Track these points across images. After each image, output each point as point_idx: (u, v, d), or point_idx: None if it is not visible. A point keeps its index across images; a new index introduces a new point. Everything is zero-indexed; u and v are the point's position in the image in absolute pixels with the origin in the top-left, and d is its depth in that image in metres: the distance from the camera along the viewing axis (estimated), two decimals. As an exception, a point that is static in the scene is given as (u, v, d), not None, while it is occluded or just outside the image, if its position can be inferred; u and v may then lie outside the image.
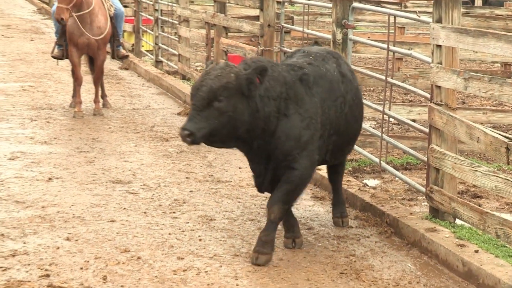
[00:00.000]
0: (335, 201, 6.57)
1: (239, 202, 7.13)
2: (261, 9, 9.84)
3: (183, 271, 5.49)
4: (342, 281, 5.45)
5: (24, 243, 5.88)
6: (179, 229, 6.34)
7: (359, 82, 8.74)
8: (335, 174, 6.57)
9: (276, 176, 5.71)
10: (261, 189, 5.90)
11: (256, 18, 10.79)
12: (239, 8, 13.97)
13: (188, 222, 6.51)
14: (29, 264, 5.47)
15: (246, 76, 5.40)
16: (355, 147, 7.95)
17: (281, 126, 5.57)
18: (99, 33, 10.53)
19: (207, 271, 5.50)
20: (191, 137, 5.28)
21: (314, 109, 5.71)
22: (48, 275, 5.28)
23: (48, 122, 10.11)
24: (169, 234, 6.22)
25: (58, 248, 5.80)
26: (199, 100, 5.33)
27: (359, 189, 7.26)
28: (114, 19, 10.88)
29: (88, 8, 10.39)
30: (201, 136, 5.30)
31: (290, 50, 10.29)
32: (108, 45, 11.01)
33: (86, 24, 10.42)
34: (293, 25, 10.86)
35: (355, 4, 8.21)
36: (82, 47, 10.48)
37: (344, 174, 7.68)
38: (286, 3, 9.98)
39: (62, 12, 10.07)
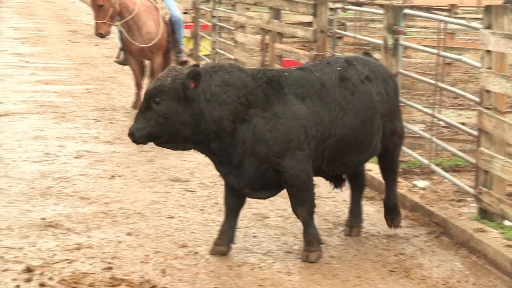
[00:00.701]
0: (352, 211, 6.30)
1: (292, 201, 7.10)
2: (314, 16, 9.80)
3: (238, 266, 5.50)
4: (392, 278, 5.40)
5: (88, 237, 5.96)
6: (235, 226, 6.34)
7: (409, 86, 8.67)
8: (354, 190, 6.27)
9: (267, 177, 5.57)
10: (240, 186, 5.66)
11: (309, 24, 10.74)
12: (293, 14, 13.97)
13: (242, 220, 6.51)
14: (93, 257, 5.54)
15: (180, 80, 5.39)
16: (405, 148, 7.87)
17: (241, 130, 5.45)
18: (149, 38, 10.41)
19: (260, 267, 5.50)
20: (131, 137, 5.44)
21: (289, 111, 5.51)
22: (110, 268, 5.34)
23: (111, 122, 10.23)
24: (225, 230, 6.22)
25: (120, 242, 5.87)
26: (141, 102, 5.49)
27: (408, 189, 7.19)
28: (173, 26, 10.77)
29: (130, 14, 10.33)
30: (140, 136, 5.41)
31: (341, 55, 10.25)
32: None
33: (134, 31, 10.35)
34: (345, 31, 10.82)
35: (406, 11, 8.13)
36: (136, 54, 10.51)
37: (394, 175, 7.62)
38: (338, 10, 9.93)
39: (100, 27, 10.11)
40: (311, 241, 5.66)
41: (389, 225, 6.32)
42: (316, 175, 5.82)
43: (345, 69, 5.84)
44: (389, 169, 6.26)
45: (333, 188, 6.26)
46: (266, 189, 5.69)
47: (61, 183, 7.37)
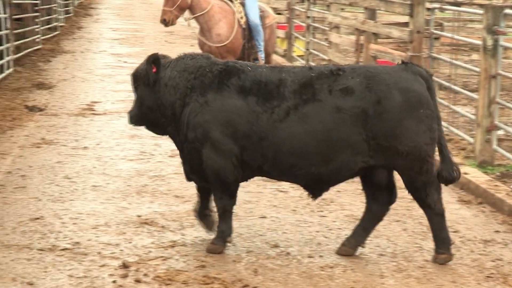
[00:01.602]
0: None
1: (385, 203, 7.02)
2: (411, 16, 9.67)
3: (330, 267, 5.48)
4: (489, 285, 5.26)
5: (183, 235, 6.06)
6: (326, 227, 6.33)
7: (509, 88, 8.43)
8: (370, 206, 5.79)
9: (200, 164, 5.60)
10: (186, 173, 5.81)
11: (406, 24, 10.62)
12: (389, 14, 13.81)
13: (335, 221, 6.49)
14: (186, 255, 5.63)
15: (145, 66, 5.68)
16: (503, 151, 7.67)
17: (183, 114, 5.58)
18: (218, 40, 10.38)
19: (353, 269, 5.46)
20: (128, 119, 5.90)
21: (219, 102, 5.46)
22: (204, 266, 5.41)
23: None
24: (317, 231, 6.22)
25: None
26: None
27: (507, 194, 6.99)
28: (250, 31, 10.51)
29: (201, 11, 10.36)
30: (131, 117, 5.86)
31: (439, 56, 10.07)
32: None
33: (205, 31, 10.40)
34: (442, 31, 10.61)
35: (507, 11, 7.92)
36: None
37: (491, 179, 7.44)
38: (436, 10, 9.76)
39: (165, 14, 10.20)
40: (218, 236, 5.70)
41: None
42: (263, 175, 5.73)
43: (318, 76, 5.49)
44: (410, 193, 5.65)
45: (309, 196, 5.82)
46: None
47: (156, 181, 7.52)
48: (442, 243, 5.58)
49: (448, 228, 5.63)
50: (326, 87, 5.46)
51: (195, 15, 10.38)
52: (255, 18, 10.59)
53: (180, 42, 19.51)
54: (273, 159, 5.49)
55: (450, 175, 5.53)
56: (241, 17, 10.52)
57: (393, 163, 5.49)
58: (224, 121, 5.45)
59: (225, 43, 10.36)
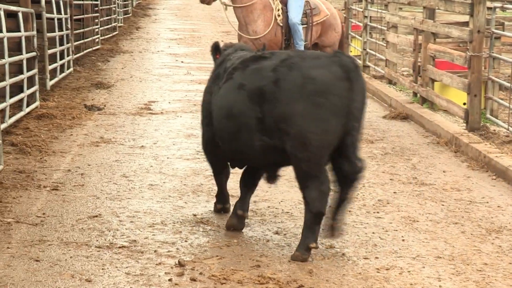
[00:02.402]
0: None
1: (442, 205, 6.96)
2: (471, 15, 9.52)
3: (386, 269, 5.44)
4: (549, 290, 5.16)
5: (238, 234, 6.08)
6: (383, 228, 6.29)
7: None
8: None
9: None
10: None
11: (465, 24, 10.47)
12: (448, 14, 13.64)
13: (391, 222, 6.44)
14: (242, 255, 5.65)
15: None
16: None
17: None
18: (254, 35, 10.42)
19: (409, 271, 5.41)
20: None
21: (206, 86, 6.20)
22: (259, 266, 5.42)
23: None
24: (373, 233, 6.18)
25: (267, 241, 5.95)
26: None
27: None
28: (290, 30, 10.37)
29: (241, 3, 10.32)
30: None
31: (499, 56, 9.90)
32: None
33: (242, 26, 10.42)
34: (503, 30, 10.44)
35: None
36: None
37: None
38: (497, 9, 9.60)
39: None
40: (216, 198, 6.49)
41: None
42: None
43: (250, 59, 5.71)
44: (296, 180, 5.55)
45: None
46: None
47: (212, 181, 7.54)
48: (303, 242, 5.52)
49: (316, 231, 5.49)
50: (245, 67, 5.66)
51: (234, 5, 10.41)
52: (294, 17, 10.41)
53: (236, 41, 19.58)
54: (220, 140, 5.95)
55: (351, 168, 5.45)
56: (278, 15, 10.41)
57: (284, 144, 5.43)
58: (203, 103, 6.22)
59: (258, 36, 10.32)
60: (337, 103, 5.28)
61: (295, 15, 10.43)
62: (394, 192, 7.33)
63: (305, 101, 5.29)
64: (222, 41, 20.65)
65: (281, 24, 10.42)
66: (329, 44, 10.72)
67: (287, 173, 7.87)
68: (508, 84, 9.52)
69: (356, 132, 5.43)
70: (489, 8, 9.72)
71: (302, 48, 10.49)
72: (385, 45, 13.61)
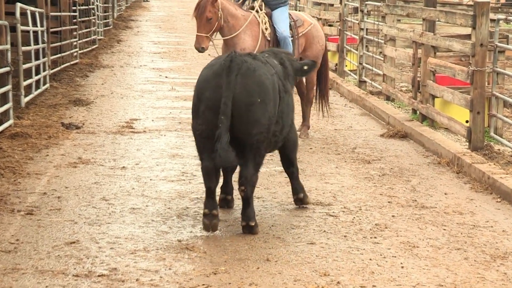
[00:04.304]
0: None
1: (444, 229, 6.98)
2: (473, 28, 9.60)
3: (384, 299, 5.44)
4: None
5: (225, 261, 6.08)
6: (380, 255, 6.30)
7: None
8: None
9: None
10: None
11: (468, 36, 10.56)
12: (449, 26, 13.75)
13: (389, 248, 6.45)
14: (230, 283, 5.64)
15: None
16: None
17: None
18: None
19: (409, 301, 5.42)
20: None
21: None
22: (247, 295, 5.42)
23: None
24: (370, 259, 6.20)
25: (258, 268, 5.95)
26: None
27: None
28: (279, 44, 10.35)
29: (231, 34, 10.26)
30: None
31: (504, 71, 9.98)
32: None
33: (230, 47, 10.29)
34: (507, 44, 10.52)
35: None
36: None
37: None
38: (501, 21, 9.68)
39: (203, 41, 10.18)
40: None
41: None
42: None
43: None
44: None
45: None
46: None
47: (198, 204, 7.57)
48: (244, 215, 6.75)
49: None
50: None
51: (225, 37, 10.36)
52: (284, 30, 10.41)
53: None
54: None
55: (215, 158, 6.47)
56: (266, 28, 10.38)
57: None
58: None
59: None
60: (210, 98, 6.57)
61: (284, 27, 10.41)
62: (393, 216, 7.35)
63: (195, 97, 6.79)
64: (209, 55, 20.71)
65: (269, 39, 10.41)
66: (313, 58, 10.56)
67: (279, 195, 7.90)
68: (513, 101, 9.58)
69: (223, 125, 6.42)
70: (492, 20, 9.80)
71: None
72: (382, 59, 13.69)
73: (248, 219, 6.73)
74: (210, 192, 6.74)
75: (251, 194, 6.74)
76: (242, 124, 6.57)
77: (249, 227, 6.72)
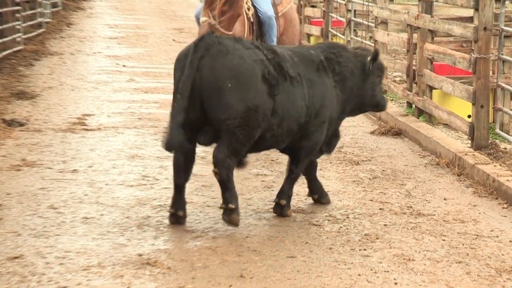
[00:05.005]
0: None
1: (443, 240, 7.03)
2: (476, 9, 9.67)
3: (375, 320, 5.48)
4: None
5: (193, 278, 6.09)
6: (371, 269, 6.34)
7: None
8: None
9: None
10: None
11: (470, 19, 10.64)
12: (449, 7, 13.83)
13: (381, 262, 6.49)
14: (197, 303, 5.65)
15: None
16: None
17: None
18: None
19: (403, 322, 5.46)
20: None
21: None
22: (218, 316, 5.42)
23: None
24: (359, 275, 6.23)
25: (230, 286, 5.96)
26: None
27: None
28: (261, 25, 10.30)
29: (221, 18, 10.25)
30: None
31: (509, 58, 10.06)
32: None
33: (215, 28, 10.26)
34: (514, 27, 10.59)
35: None
36: None
37: None
38: (507, 2, 9.76)
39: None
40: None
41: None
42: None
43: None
44: None
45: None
46: None
47: (162, 212, 7.57)
48: (223, 197, 7.04)
49: (231, 190, 6.99)
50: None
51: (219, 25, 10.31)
52: (268, 10, 10.31)
53: (191, 41, 19.61)
54: None
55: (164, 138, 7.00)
56: (248, 8, 10.34)
57: None
58: None
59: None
60: (176, 77, 7.09)
61: (268, 7, 10.39)
62: (385, 225, 7.39)
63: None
64: (174, 40, 20.64)
65: (252, 20, 10.40)
66: (288, 45, 10.52)
67: (254, 201, 7.92)
68: (522, 93, 9.65)
69: (178, 105, 6.90)
70: (497, 1, 9.88)
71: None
72: (372, 44, 13.75)
73: (227, 201, 7.04)
74: (177, 189, 7.14)
75: (227, 177, 7.00)
76: (211, 108, 6.95)
77: (228, 211, 7.02)
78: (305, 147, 7.54)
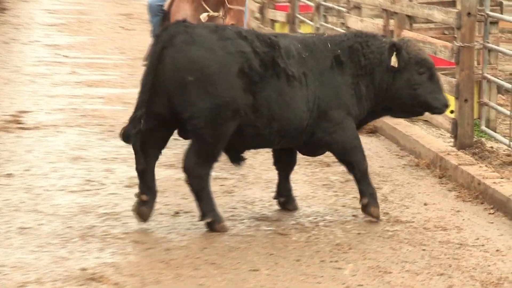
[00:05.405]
0: None
1: (423, 250, 7.07)
2: (458, -8, 9.74)
3: None
4: None
5: (143, 295, 6.10)
6: (343, 283, 6.36)
7: None
8: None
9: None
10: None
11: (452, 4, 10.71)
12: (429, -10, 13.89)
13: (354, 275, 6.51)
14: (148, 322, 5.65)
15: None
16: None
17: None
18: None
19: None
20: None
21: None
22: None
23: (177, 139, 10.37)
24: (330, 290, 6.26)
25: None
26: None
27: None
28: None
29: None
30: None
31: (497, 48, 10.14)
32: None
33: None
34: (501, 13, 10.70)
35: None
36: None
37: None
38: (492, -16, 9.85)
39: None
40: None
41: None
42: None
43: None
44: None
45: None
46: None
47: (108, 221, 7.55)
48: (200, 213, 7.27)
49: (205, 199, 7.21)
50: None
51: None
52: None
53: (142, 28, 19.57)
54: None
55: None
56: None
57: None
58: None
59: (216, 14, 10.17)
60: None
61: None
62: (359, 233, 7.41)
63: None
64: (122, 27, 20.53)
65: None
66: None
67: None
68: (510, 85, 9.71)
69: (139, 98, 7.27)
70: (482, -17, 9.96)
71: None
72: (344, 32, 13.78)
73: (203, 214, 7.29)
74: (139, 176, 7.45)
75: (198, 187, 7.26)
76: (175, 105, 7.18)
77: (207, 225, 7.30)
78: (336, 150, 7.77)
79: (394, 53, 7.61)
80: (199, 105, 7.08)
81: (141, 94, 7.22)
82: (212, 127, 7.11)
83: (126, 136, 7.27)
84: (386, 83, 7.68)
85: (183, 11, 10.06)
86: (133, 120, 7.21)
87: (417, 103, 7.76)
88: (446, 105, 7.85)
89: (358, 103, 7.66)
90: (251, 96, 7.21)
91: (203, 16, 9.84)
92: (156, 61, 7.14)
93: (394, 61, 7.62)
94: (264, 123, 7.32)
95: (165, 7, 10.18)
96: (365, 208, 7.68)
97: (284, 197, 7.97)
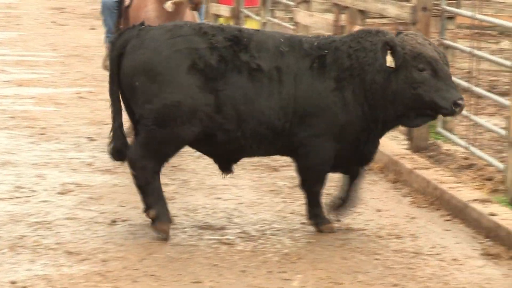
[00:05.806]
0: None
1: (377, 259, 7.12)
2: (413, -15, 9.82)
3: None
4: None
5: (78, 309, 6.09)
6: (292, 295, 6.40)
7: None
8: None
9: None
10: None
11: (406, -3, 10.74)
12: (382, -17, 13.99)
13: (304, 286, 6.54)
14: None
15: None
16: None
17: None
18: None
19: None
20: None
21: None
22: None
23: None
24: (277, 302, 6.29)
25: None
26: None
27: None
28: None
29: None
30: None
31: (454, 44, 10.24)
32: None
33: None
34: (459, 7, 10.78)
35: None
36: None
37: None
38: (448, -24, 9.93)
39: None
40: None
41: None
42: None
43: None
44: None
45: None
46: None
47: (40, 231, 7.50)
48: (145, 206, 7.38)
49: (151, 195, 7.31)
50: None
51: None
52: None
53: (76, 23, 19.50)
54: None
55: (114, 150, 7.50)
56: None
57: None
58: None
59: None
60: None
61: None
62: (308, 242, 7.44)
63: None
64: (54, 22, 20.44)
65: None
66: None
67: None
68: (467, 84, 9.80)
69: (111, 108, 7.50)
70: (438, -24, 10.05)
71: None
72: (293, 27, 13.84)
73: (148, 207, 7.41)
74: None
75: (143, 180, 7.34)
76: (133, 108, 7.48)
77: (152, 221, 7.41)
78: (302, 167, 7.66)
79: (389, 52, 7.24)
80: (147, 107, 7.27)
81: (113, 105, 7.49)
82: (163, 127, 7.24)
83: (116, 152, 7.51)
84: (379, 84, 7.33)
85: (146, 5, 10.04)
86: (115, 133, 7.51)
87: (422, 104, 7.31)
88: (457, 105, 7.23)
89: (343, 110, 7.37)
90: (211, 95, 7.22)
91: (168, 5, 9.83)
92: (116, 69, 7.40)
93: (390, 61, 7.24)
94: (233, 125, 7.29)
95: (126, 2, 10.13)
96: (317, 228, 7.70)
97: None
